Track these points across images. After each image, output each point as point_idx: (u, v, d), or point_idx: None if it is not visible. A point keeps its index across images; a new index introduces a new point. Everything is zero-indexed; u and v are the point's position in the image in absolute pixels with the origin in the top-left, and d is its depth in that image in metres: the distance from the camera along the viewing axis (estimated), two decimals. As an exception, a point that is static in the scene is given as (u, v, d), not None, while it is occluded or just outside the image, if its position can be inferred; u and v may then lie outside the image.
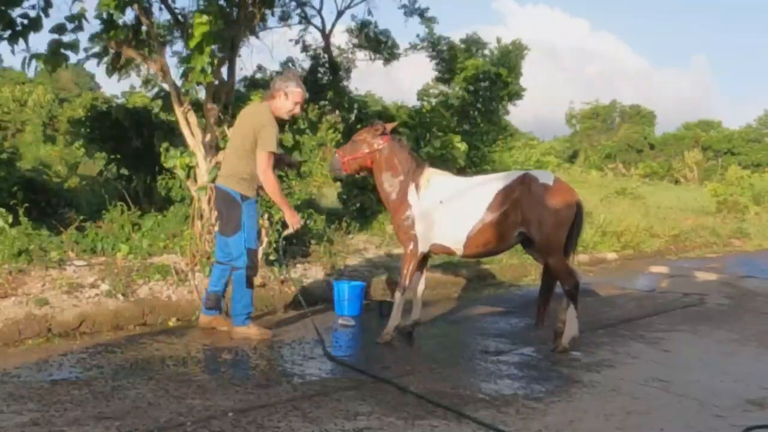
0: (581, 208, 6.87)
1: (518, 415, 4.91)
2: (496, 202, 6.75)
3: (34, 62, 7.90)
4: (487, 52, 19.76)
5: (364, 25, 18.36)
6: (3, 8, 7.95)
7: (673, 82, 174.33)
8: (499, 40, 20.00)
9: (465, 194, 6.96)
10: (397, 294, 7.15)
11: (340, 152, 7.38)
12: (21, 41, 7.92)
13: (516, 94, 19.77)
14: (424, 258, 7.30)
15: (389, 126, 7.41)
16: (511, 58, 19.45)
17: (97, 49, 8.83)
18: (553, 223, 6.63)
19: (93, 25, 8.56)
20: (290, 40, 17.98)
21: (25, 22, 7.94)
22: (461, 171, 14.05)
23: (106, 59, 8.83)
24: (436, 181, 7.09)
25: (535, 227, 6.65)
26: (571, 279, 6.78)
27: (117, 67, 8.93)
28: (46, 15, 8.06)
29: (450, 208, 6.88)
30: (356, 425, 4.56)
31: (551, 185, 6.73)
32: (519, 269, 12.39)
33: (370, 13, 18.34)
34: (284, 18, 17.53)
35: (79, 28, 7.88)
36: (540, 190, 6.66)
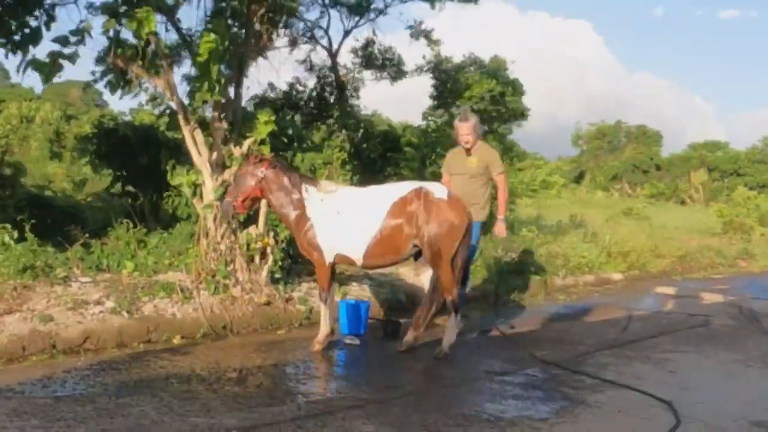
0: (471, 222, 7.24)
1: (523, 435, 4.89)
2: (392, 213, 6.99)
3: (29, 70, 7.92)
4: (485, 71, 19.82)
5: (368, 44, 18.44)
6: (6, 18, 7.99)
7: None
8: (493, 58, 20.14)
9: (362, 205, 7.21)
10: (321, 304, 7.45)
11: (229, 196, 7.49)
12: (19, 52, 7.97)
13: (521, 114, 19.80)
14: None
15: (264, 154, 7.86)
16: (504, 74, 19.55)
17: (103, 68, 8.86)
18: (445, 236, 6.90)
19: (100, 42, 8.60)
20: (296, 61, 18.05)
21: (27, 32, 7.99)
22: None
23: (110, 76, 8.85)
24: (334, 192, 7.32)
25: (427, 240, 6.89)
26: (454, 290, 7.10)
27: (123, 84, 8.95)
28: (48, 29, 8.12)
29: (348, 219, 7.10)
30: (360, 445, 4.55)
31: (446, 199, 7.01)
32: (524, 289, 12.36)
33: (374, 33, 18.44)
34: (292, 41, 17.60)
35: (81, 42, 7.92)
36: (435, 204, 6.92)
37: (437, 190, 7.12)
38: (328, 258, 7.26)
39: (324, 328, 7.40)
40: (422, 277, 7.60)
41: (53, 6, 8.40)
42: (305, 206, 7.24)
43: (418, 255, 7.29)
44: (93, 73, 8.91)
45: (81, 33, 7.84)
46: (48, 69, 7.81)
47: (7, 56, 8.04)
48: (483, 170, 8.37)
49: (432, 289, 7.51)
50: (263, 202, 7.92)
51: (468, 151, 8.40)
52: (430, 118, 20.00)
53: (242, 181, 7.33)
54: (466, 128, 8.30)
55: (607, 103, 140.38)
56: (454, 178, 8.50)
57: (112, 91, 8.82)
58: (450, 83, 19.19)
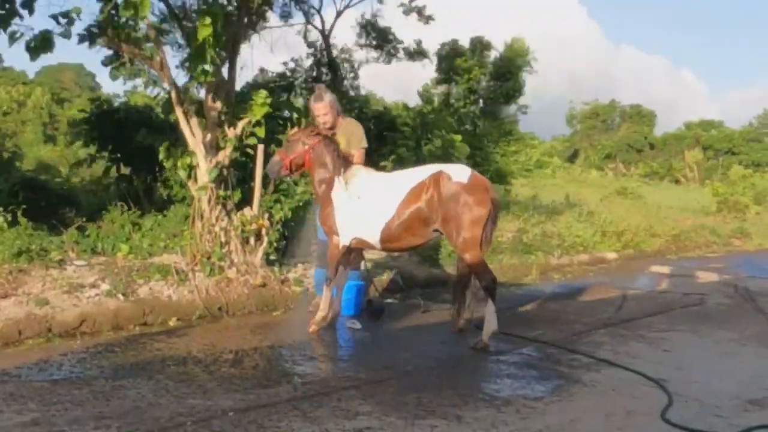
0: (496, 204, 7.01)
1: (518, 414, 4.91)
2: (408, 198, 6.89)
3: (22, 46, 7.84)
4: (491, 53, 19.75)
5: (368, 23, 18.37)
6: None
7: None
8: (506, 44, 20.01)
9: (381, 190, 7.16)
10: (325, 287, 7.43)
11: (281, 153, 7.60)
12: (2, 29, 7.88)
13: (518, 92, 19.76)
14: (353, 252, 7.61)
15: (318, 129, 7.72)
16: (514, 59, 19.44)
17: (90, 31, 8.75)
18: (468, 220, 6.69)
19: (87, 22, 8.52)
20: (297, 33, 18.00)
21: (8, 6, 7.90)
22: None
23: (105, 58, 8.77)
24: (357, 176, 7.29)
25: (449, 225, 6.75)
26: (488, 274, 6.89)
27: (117, 66, 8.88)
28: (30, 12, 7.98)
29: (366, 203, 7.09)
30: (356, 425, 4.56)
31: (465, 182, 6.80)
32: (520, 269, 12.40)
33: (375, 16, 18.36)
34: (285, 16, 17.53)
35: (70, 22, 7.84)
36: (454, 188, 6.74)
37: (457, 172, 6.91)
38: (344, 241, 7.26)
39: (322, 311, 7.39)
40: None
41: None
42: (333, 188, 7.29)
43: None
44: (79, 35, 8.76)
45: (70, 14, 7.76)
46: (39, 44, 7.73)
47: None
48: (348, 147, 7.95)
49: (459, 276, 7.44)
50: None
51: (331, 131, 7.98)
52: (426, 97, 19.95)
53: (293, 146, 7.47)
54: (321, 108, 7.92)
55: (595, 81, 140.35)
56: None
57: (109, 69, 8.75)
58: (447, 62, 19.15)
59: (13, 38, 7.71)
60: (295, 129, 8.05)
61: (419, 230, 6.94)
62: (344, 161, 7.40)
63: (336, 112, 8.05)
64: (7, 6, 7.77)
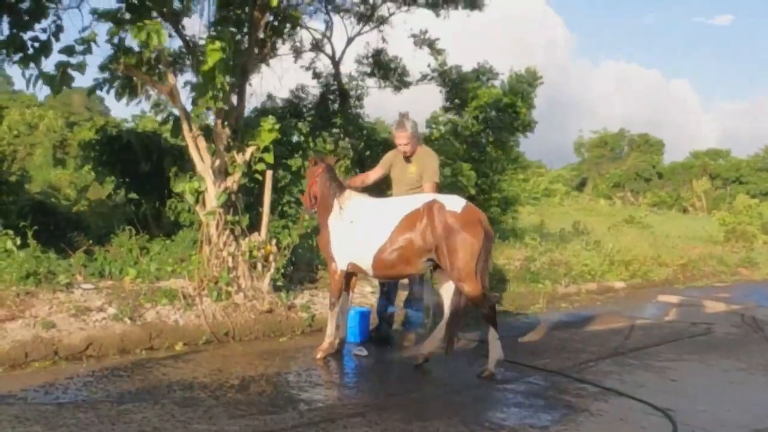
0: (490, 236, 6.94)
1: (525, 443, 4.89)
2: (401, 225, 6.89)
3: (40, 82, 7.93)
4: (497, 82, 19.74)
5: (378, 53, 18.44)
6: (15, 31, 8.02)
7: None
8: (512, 70, 19.96)
9: (374, 215, 7.20)
10: (330, 313, 7.52)
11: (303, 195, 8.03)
12: (32, 65, 7.98)
13: (528, 125, 19.72)
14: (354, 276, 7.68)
15: (328, 158, 8.10)
16: (523, 87, 19.41)
17: (107, 75, 8.87)
18: (460, 251, 6.65)
19: (104, 49, 8.62)
20: (301, 67, 18.04)
21: (36, 45, 8.01)
22: (471, 199, 14.07)
23: (115, 84, 8.87)
24: (350, 202, 7.39)
25: (443, 256, 6.71)
26: (487, 302, 6.86)
27: (128, 91, 8.97)
28: (57, 39, 8.13)
29: (359, 229, 7.15)
30: (362, 452, 4.55)
31: (459, 212, 6.77)
32: (527, 297, 12.36)
33: (384, 40, 18.43)
34: (296, 51, 17.61)
35: (88, 50, 7.93)
36: (447, 217, 6.71)
37: (451, 203, 6.89)
38: (341, 266, 7.31)
39: (328, 337, 7.42)
40: (442, 290, 7.39)
41: (59, 12, 8.40)
42: (330, 214, 7.42)
43: (436, 267, 7.12)
44: (96, 79, 8.91)
45: (86, 42, 7.85)
46: (58, 81, 7.82)
47: (23, 74, 7.98)
48: (420, 178, 8.01)
49: (452, 303, 7.41)
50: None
51: (408, 159, 8.04)
52: (434, 125, 19.95)
53: (308, 181, 7.89)
54: (404, 137, 7.86)
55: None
56: (395, 184, 8.29)
57: (118, 97, 8.84)
58: (455, 91, 19.15)
59: (44, 76, 7.82)
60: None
61: (412, 258, 6.91)
62: (339, 186, 7.53)
63: (416, 140, 8.04)
64: (38, 43, 7.92)
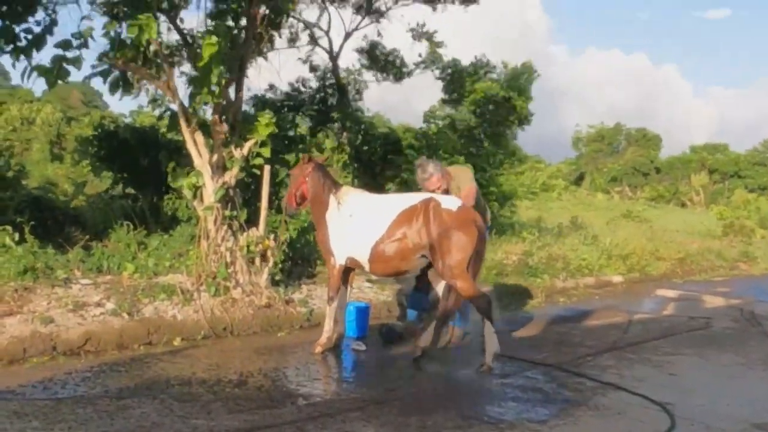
0: (483, 237, 7.02)
1: (523, 438, 4.89)
2: (398, 222, 6.95)
3: (34, 75, 7.89)
4: (494, 75, 19.71)
5: (372, 46, 18.43)
6: (8, 23, 7.99)
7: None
8: (505, 65, 19.93)
9: (372, 210, 7.25)
10: (328, 308, 7.54)
11: (288, 192, 7.93)
12: (23, 57, 7.95)
13: (525, 119, 19.69)
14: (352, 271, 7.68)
15: (317, 158, 8.24)
16: (520, 81, 19.37)
17: (105, 66, 8.81)
18: (455, 249, 6.71)
19: (100, 44, 8.58)
20: (299, 59, 18.02)
21: (29, 37, 7.98)
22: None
23: (110, 78, 8.82)
24: (349, 197, 7.43)
25: (437, 253, 6.75)
26: (481, 298, 6.88)
27: (123, 85, 8.92)
28: (51, 33, 8.09)
29: (357, 223, 7.19)
30: (360, 447, 4.55)
31: (454, 211, 6.83)
32: (525, 292, 12.35)
33: (379, 34, 18.42)
34: (292, 39, 17.59)
35: (84, 45, 7.89)
36: (443, 215, 6.78)
37: (447, 200, 6.98)
38: (340, 260, 7.34)
39: (327, 332, 7.43)
40: (438, 288, 7.40)
41: (55, 7, 8.36)
42: (327, 210, 7.43)
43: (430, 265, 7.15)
44: (93, 66, 8.83)
45: (83, 36, 7.81)
46: (54, 74, 7.79)
47: (13, 65, 7.99)
48: (459, 189, 7.93)
49: (444, 299, 7.42)
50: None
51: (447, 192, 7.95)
52: (431, 120, 19.94)
53: (293, 180, 7.80)
54: (435, 182, 7.73)
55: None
56: None
57: (112, 91, 8.78)
58: (453, 86, 19.15)
59: (40, 70, 7.78)
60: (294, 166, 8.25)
61: (407, 253, 6.95)
62: (334, 183, 7.59)
63: (445, 174, 7.91)
64: (31, 35, 7.89)
